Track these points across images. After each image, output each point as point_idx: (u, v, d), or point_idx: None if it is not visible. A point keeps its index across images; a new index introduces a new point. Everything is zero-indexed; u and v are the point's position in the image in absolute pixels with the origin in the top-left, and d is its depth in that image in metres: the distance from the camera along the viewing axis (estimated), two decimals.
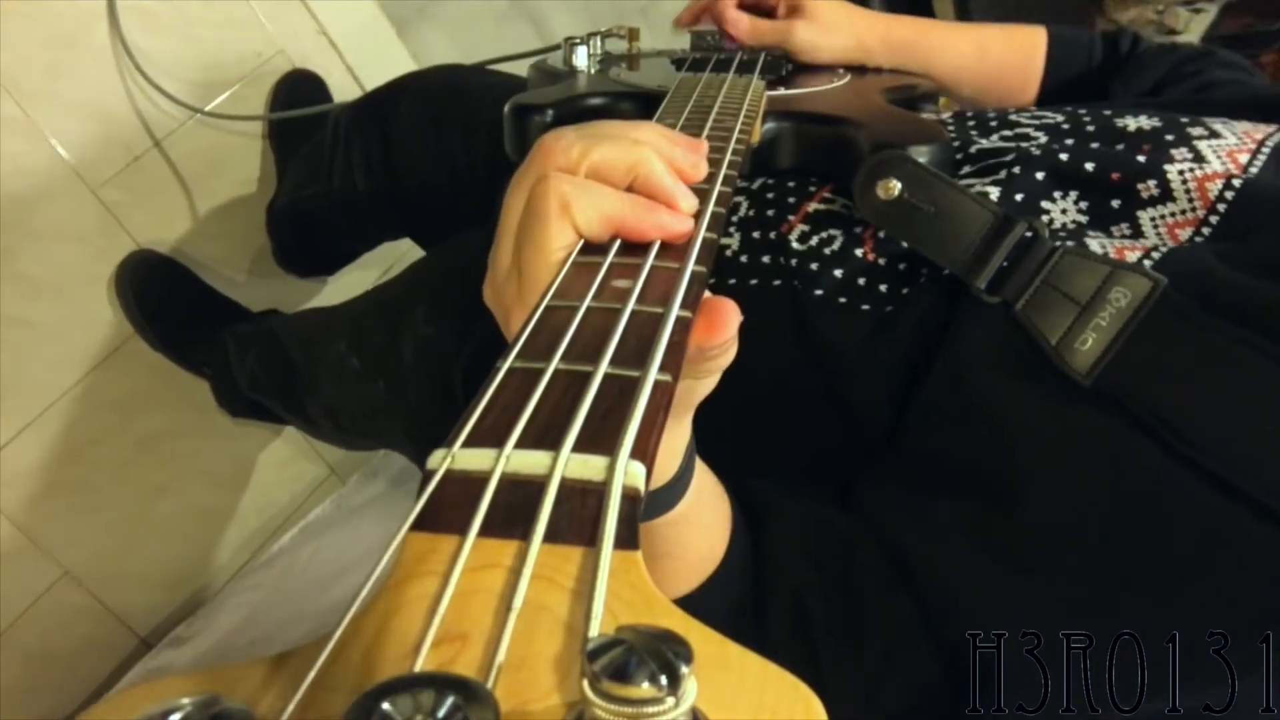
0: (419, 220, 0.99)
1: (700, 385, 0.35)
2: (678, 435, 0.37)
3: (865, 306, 0.51)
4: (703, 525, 0.44)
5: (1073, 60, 0.71)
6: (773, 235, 0.55)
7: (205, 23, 1.22)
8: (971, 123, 0.58)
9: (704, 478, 0.43)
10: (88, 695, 1.14)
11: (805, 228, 0.54)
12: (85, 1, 1.12)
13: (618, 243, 0.32)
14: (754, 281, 0.54)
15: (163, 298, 1.16)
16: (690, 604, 0.43)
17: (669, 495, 0.39)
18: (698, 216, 0.34)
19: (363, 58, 1.37)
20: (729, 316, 0.30)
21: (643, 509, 0.38)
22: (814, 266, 0.53)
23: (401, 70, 1.02)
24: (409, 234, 1.08)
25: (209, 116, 1.21)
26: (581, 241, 0.31)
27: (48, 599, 1.11)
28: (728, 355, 0.31)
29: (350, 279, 1.32)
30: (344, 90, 1.33)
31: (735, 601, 0.45)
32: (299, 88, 1.29)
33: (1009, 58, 0.71)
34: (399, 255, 1.31)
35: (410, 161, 0.92)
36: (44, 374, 1.11)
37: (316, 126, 1.11)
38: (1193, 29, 1.81)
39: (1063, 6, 1.80)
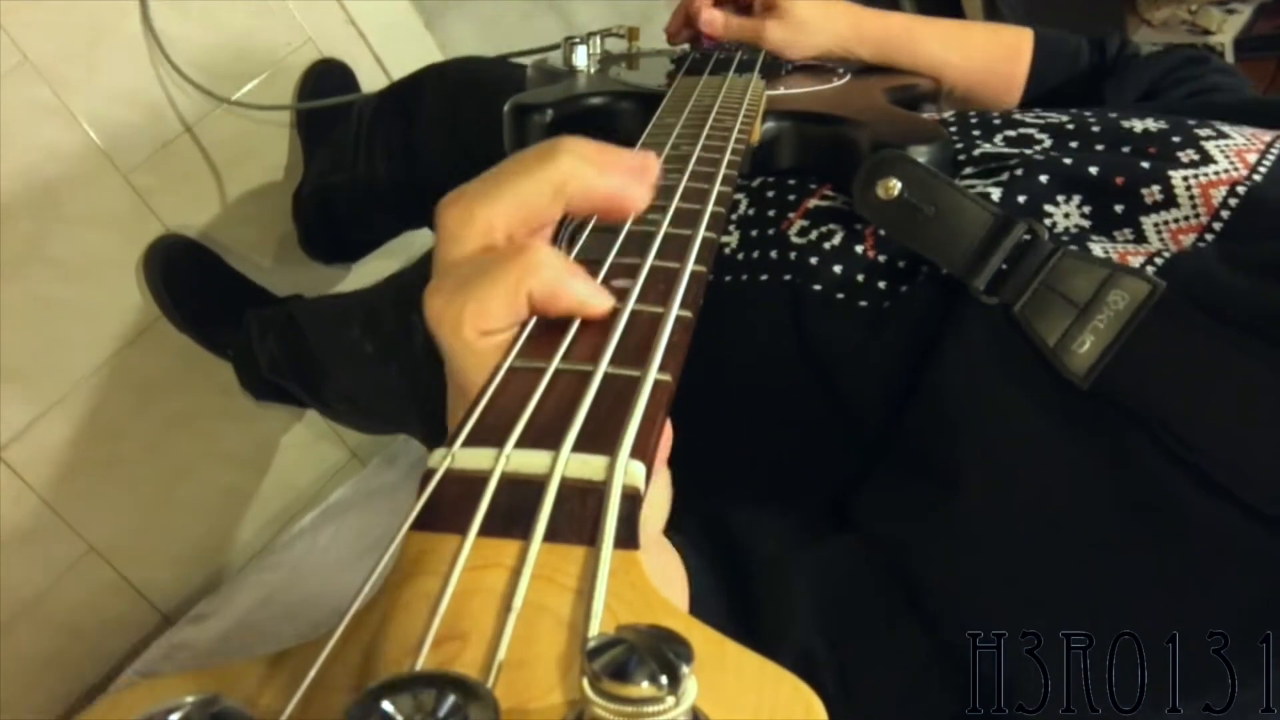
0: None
1: (655, 516, 0.32)
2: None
3: (863, 303, 0.51)
4: None
5: (1059, 60, 0.70)
6: (772, 232, 0.54)
7: (235, 11, 1.23)
8: (974, 121, 0.58)
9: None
10: (110, 669, 1.16)
11: (805, 223, 0.54)
12: None
13: (616, 247, 0.32)
14: (754, 276, 0.54)
15: (189, 281, 1.17)
16: None
17: None
18: (698, 216, 0.34)
19: (391, 48, 1.37)
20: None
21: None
22: (813, 261, 0.52)
23: (429, 61, 1.02)
24: (428, 224, 1.08)
25: (238, 105, 1.22)
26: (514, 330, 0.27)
27: (72, 574, 1.13)
28: None
29: (374, 266, 1.33)
30: (372, 80, 1.34)
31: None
32: (327, 77, 1.30)
33: (994, 53, 0.70)
34: (423, 244, 1.32)
35: (430, 151, 0.93)
36: (73, 354, 1.13)
37: (343, 115, 1.12)
38: (1226, 30, 1.78)
39: (1095, 5, 1.77)
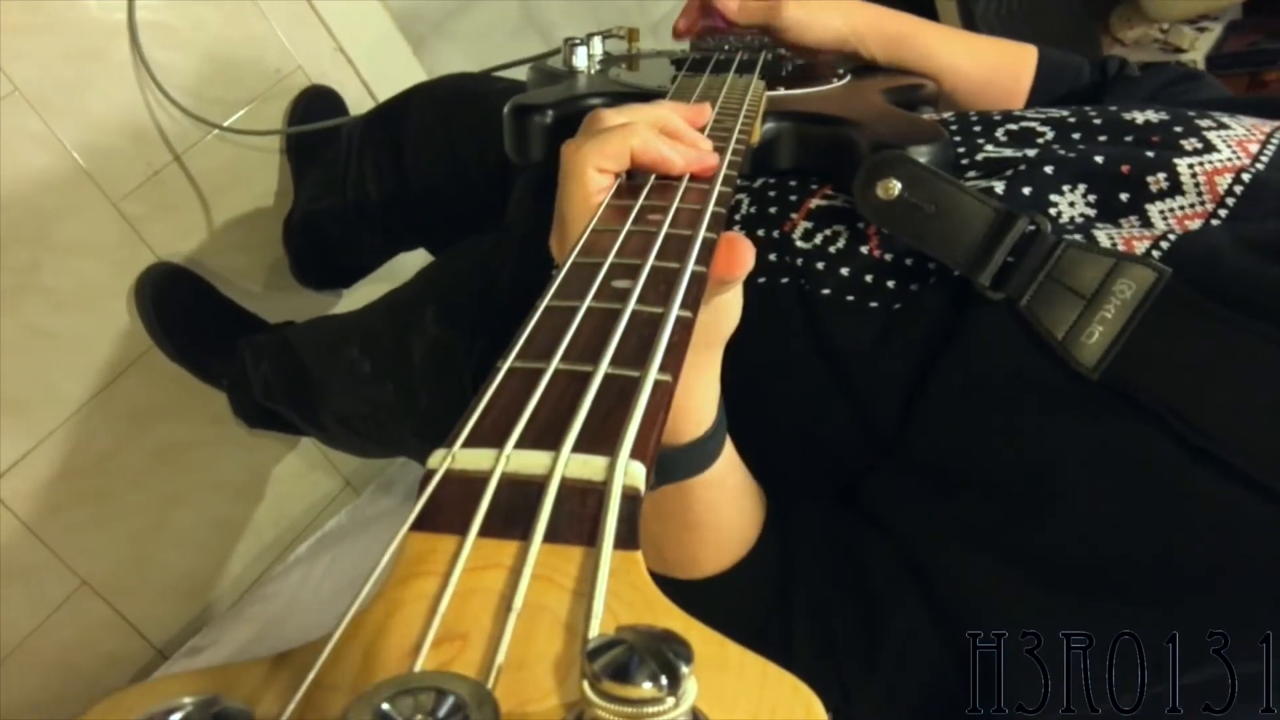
0: (431, 227, 1.00)
1: (724, 320, 0.40)
2: (708, 374, 0.41)
3: (873, 304, 0.51)
4: (736, 496, 0.46)
5: (1061, 75, 0.71)
6: (776, 233, 0.55)
7: (225, 39, 1.24)
8: (975, 119, 0.58)
9: (734, 454, 0.45)
10: None
11: (809, 225, 0.54)
12: (107, 17, 1.14)
13: (619, 241, 0.33)
14: (761, 280, 0.54)
15: (181, 309, 1.17)
16: (725, 582, 0.45)
17: (707, 447, 0.41)
18: (698, 217, 0.35)
19: (379, 74, 1.38)
20: (747, 252, 0.35)
21: (684, 462, 0.42)
22: (820, 265, 0.53)
23: None
24: (422, 243, 1.08)
25: (228, 131, 1.23)
26: (612, 186, 0.38)
27: (65, 609, 1.12)
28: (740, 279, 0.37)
29: (365, 292, 1.33)
30: (360, 106, 1.34)
31: (763, 601, 0.46)
32: (316, 103, 1.30)
33: (1000, 63, 0.71)
34: (414, 269, 1.32)
35: (421, 168, 0.93)
36: (64, 385, 1.12)
37: (333, 141, 1.12)
38: (1198, 47, 1.80)
39: (1068, 24, 1.80)
